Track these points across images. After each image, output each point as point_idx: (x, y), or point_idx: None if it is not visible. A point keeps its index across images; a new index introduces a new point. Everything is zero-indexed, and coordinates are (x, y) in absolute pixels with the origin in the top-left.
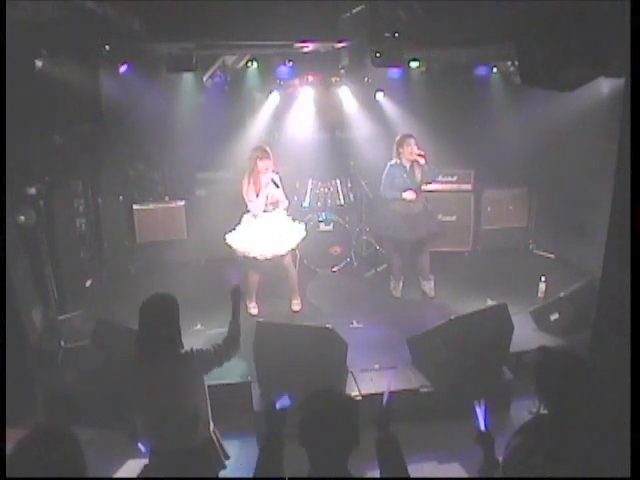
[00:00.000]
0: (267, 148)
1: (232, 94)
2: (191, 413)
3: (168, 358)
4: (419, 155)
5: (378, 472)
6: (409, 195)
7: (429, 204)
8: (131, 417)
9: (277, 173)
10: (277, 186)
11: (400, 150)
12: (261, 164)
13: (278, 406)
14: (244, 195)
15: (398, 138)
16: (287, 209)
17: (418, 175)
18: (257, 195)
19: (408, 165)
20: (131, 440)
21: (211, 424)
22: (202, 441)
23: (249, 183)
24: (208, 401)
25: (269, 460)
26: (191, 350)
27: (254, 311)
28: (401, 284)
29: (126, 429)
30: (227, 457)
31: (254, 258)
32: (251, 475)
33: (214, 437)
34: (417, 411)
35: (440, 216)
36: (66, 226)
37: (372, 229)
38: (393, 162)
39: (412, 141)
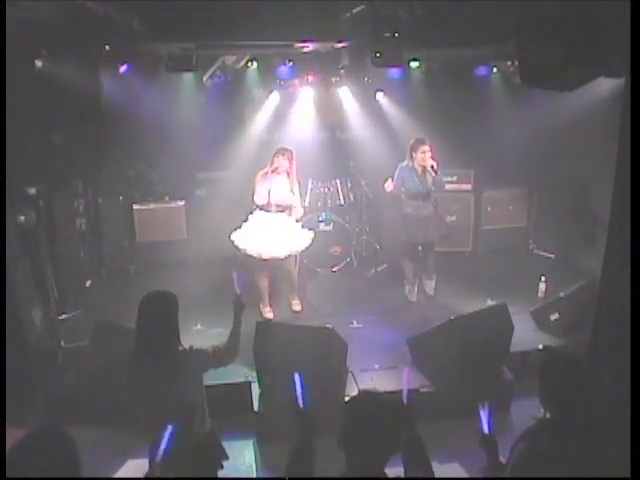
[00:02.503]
0: (288, 147)
1: (232, 94)
2: (187, 411)
3: (166, 355)
4: (431, 167)
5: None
6: (389, 185)
7: (439, 207)
8: (134, 415)
9: (299, 182)
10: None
11: (413, 154)
12: (275, 160)
13: (302, 405)
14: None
15: (412, 142)
16: (299, 219)
17: (429, 180)
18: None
19: (420, 169)
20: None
21: (208, 422)
22: (199, 440)
23: (260, 176)
24: (205, 400)
25: (302, 462)
26: (190, 348)
27: (270, 315)
28: (416, 288)
29: (127, 428)
30: (226, 457)
31: (254, 257)
32: (251, 475)
33: (211, 436)
34: (417, 411)
35: None
36: (66, 226)
37: (372, 230)
38: (404, 164)
39: (425, 147)
